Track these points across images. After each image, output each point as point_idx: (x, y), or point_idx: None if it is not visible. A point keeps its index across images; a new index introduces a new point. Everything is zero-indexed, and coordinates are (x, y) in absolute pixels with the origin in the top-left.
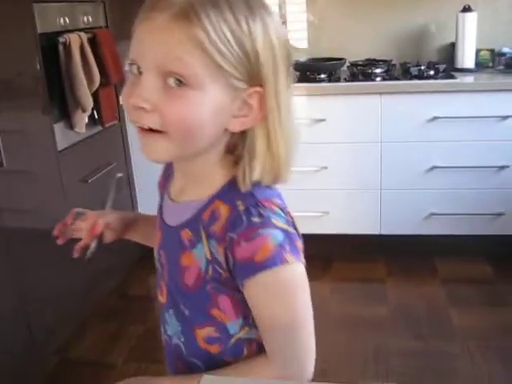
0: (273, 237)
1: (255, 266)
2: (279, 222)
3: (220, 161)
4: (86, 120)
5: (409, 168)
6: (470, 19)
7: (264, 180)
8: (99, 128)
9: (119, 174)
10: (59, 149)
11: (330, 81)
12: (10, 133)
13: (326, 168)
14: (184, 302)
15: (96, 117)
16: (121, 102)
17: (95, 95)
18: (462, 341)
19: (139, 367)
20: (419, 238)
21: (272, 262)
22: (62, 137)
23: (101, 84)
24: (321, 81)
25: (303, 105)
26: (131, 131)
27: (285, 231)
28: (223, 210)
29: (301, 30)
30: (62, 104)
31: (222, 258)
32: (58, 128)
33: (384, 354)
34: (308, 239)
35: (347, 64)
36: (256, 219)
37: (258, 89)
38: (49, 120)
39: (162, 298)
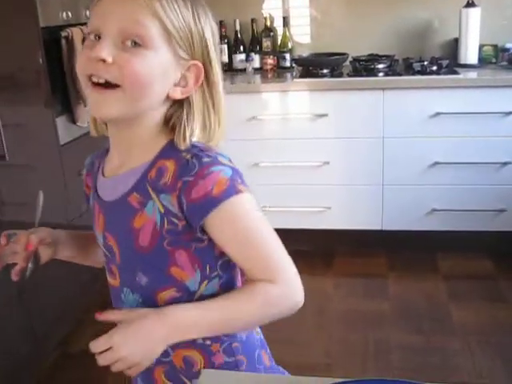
0: (224, 172)
1: (215, 200)
2: (225, 160)
3: (158, 128)
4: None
5: (411, 164)
6: (474, 14)
7: (200, 142)
8: None
9: (41, 192)
10: (61, 143)
11: (332, 76)
12: (13, 126)
13: (327, 163)
14: (143, 268)
15: None
16: (78, 62)
17: None
18: (463, 336)
19: None
20: (421, 234)
21: (229, 193)
22: (65, 131)
23: None
24: (323, 76)
25: (306, 100)
26: None
27: (232, 167)
28: (169, 164)
29: (303, 25)
30: (64, 98)
31: (176, 208)
32: (61, 122)
33: (385, 349)
34: (310, 234)
35: (350, 59)
36: (206, 159)
37: (197, 63)
38: (51, 114)
39: (115, 282)
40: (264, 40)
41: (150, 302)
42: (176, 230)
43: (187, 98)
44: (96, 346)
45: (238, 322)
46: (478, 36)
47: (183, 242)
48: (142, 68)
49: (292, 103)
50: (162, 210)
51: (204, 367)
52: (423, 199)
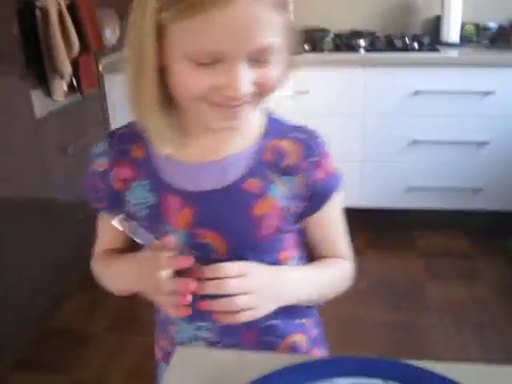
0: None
1: (336, 178)
2: None
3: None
4: (65, 88)
5: (390, 141)
6: None
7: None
8: (78, 96)
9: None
10: (37, 116)
11: (313, 52)
12: None
13: None
14: (255, 258)
15: (75, 85)
16: (190, 89)
17: (74, 63)
18: (438, 313)
19: (120, 336)
20: (399, 212)
21: (340, 174)
22: (40, 104)
23: (80, 52)
24: (304, 51)
25: None
26: (111, 100)
27: None
28: (286, 145)
29: None
30: (39, 71)
31: (301, 189)
32: (36, 95)
33: (362, 326)
34: None
35: (331, 35)
36: (319, 139)
37: None
38: (26, 86)
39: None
40: None
41: None
42: (297, 213)
43: None
44: (231, 286)
45: (327, 290)
46: (460, 14)
47: (294, 225)
48: (276, 76)
49: None
50: (287, 193)
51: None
52: (402, 177)
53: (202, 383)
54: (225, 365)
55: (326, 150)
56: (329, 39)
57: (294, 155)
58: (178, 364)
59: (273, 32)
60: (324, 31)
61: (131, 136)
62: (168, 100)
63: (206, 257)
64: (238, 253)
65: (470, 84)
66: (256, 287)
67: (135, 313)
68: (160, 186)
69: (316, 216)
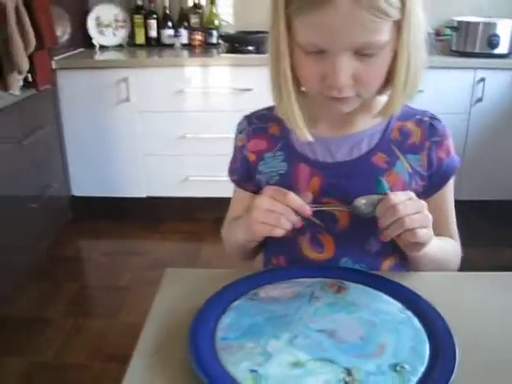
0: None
1: (455, 161)
2: None
3: None
4: (21, 82)
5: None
6: None
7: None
8: (33, 91)
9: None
10: None
11: (257, 53)
12: None
13: None
14: (377, 233)
15: (30, 80)
16: (304, 75)
17: (29, 58)
18: None
19: (76, 322)
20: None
21: (458, 158)
22: None
23: (35, 47)
24: (248, 52)
25: (231, 74)
26: (63, 96)
27: None
28: (411, 126)
29: (230, 3)
30: None
31: (423, 168)
32: None
33: None
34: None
35: None
36: (443, 123)
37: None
38: None
39: (323, 254)
40: (192, 17)
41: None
42: (417, 191)
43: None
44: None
45: (447, 257)
46: None
47: None
48: (381, 71)
49: (218, 78)
50: (410, 170)
51: None
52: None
53: (188, 298)
54: (206, 281)
55: (448, 133)
56: None
57: (418, 135)
58: (166, 283)
59: (377, 33)
60: (267, 33)
61: (269, 117)
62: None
63: (329, 227)
64: (359, 225)
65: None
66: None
67: (90, 300)
68: (293, 157)
69: (435, 197)
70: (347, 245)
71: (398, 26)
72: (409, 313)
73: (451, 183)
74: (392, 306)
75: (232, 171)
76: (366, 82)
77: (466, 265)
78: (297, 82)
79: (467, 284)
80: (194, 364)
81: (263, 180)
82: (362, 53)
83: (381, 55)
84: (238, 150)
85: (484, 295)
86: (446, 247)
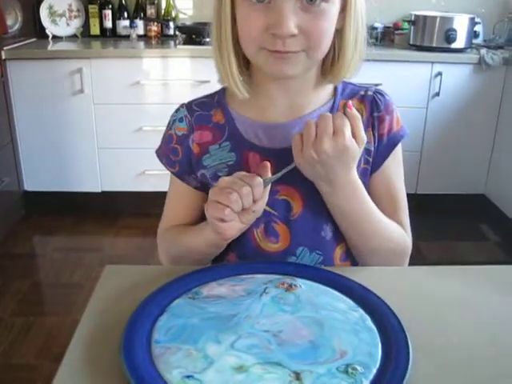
0: (398, 111)
1: (397, 136)
2: None
3: (319, 68)
4: None
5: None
6: None
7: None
8: None
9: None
10: None
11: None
12: None
13: None
14: (331, 219)
15: None
16: (249, 30)
17: None
18: None
19: (26, 320)
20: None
21: (403, 132)
22: None
23: None
24: (205, 44)
25: (188, 66)
26: (13, 87)
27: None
28: (355, 104)
29: None
30: None
31: (369, 143)
32: None
33: None
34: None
35: None
36: (387, 97)
37: None
38: None
39: (279, 245)
40: (148, 7)
41: (329, 261)
42: (366, 169)
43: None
44: None
45: (383, 233)
46: None
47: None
48: (329, 25)
49: (175, 69)
50: None
51: None
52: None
53: (126, 297)
54: (147, 278)
55: (391, 107)
56: None
57: (362, 111)
58: (105, 281)
59: None
60: None
61: (211, 104)
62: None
63: (283, 215)
64: (313, 211)
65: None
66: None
67: (41, 297)
68: (241, 146)
69: (380, 176)
70: (302, 233)
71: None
72: (361, 311)
73: (398, 160)
74: (344, 303)
75: (171, 162)
76: (312, 35)
77: (421, 259)
78: (237, 50)
79: (421, 278)
80: (127, 370)
81: (209, 174)
82: (306, 1)
83: (325, 10)
84: (179, 140)
85: (439, 290)
86: (391, 224)
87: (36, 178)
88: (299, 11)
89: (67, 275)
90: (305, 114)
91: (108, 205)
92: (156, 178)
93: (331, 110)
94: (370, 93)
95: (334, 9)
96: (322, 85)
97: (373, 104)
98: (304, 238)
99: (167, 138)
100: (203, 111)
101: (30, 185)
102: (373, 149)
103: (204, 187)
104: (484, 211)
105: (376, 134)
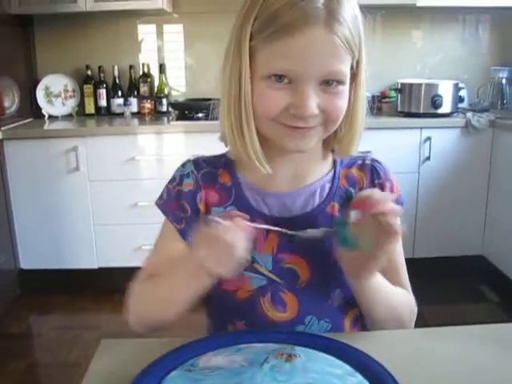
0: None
1: (399, 200)
2: None
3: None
4: None
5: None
6: None
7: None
8: None
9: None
10: None
11: (206, 119)
12: None
13: None
14: (341, 284)
15: None
16: (267, 107)
17: None
18: None
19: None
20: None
21: (402, 200)
22: None
23: None
24: (198, 119)
25: (182, 141)
26: (11, 166)
27: None
28: (355, 172)
29: (179, 72)
30: None
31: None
32: None
33: None
34: None
35: None
36: (384, 165)
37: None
38: None
39: (285, 315)
40: (141, 85)
41: (338, 328)
42: None
43: None
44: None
45: (395, 303)
46: None
47: None
48: (344, 105)
49: (169, 145)
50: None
51: None
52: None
53: (123, 370)
54: (142, 352)
55: (390, 174)
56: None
57: (363, 180)
58: (101, 355)
59: (342, 63)
60: (216, 100)
61: (218, 163)
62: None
63: (290, 283)
64: (321, 279)
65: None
66: None
67: (37, 378)
68: (247, 212)
69: None
70: (310, 301)
71: (353, 70)
72: (360, 376)
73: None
74: (341, 369)
75: (178, 219)
76: (332, 113)
77: (423, 322)
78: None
79: (421, 340)
80: None
81: None
82: (326, 83)
83: (342, 90)
84: (186, 196)
85: (440, 352)
86: (396, 290)
87: (32, 256)
88: (319, 92)
89: (64, 354)
90: (309, 183)
91: (104, 281)
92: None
93: (332, 180)
94: (367, 161)
95: (347, 88)
96: (326, 157)
97: (373, 172)
98: (312, 306)
99: (175, 194)
100: (211, 168)
101: (25, 263)
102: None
103: None
104: (483, 272)
105: None
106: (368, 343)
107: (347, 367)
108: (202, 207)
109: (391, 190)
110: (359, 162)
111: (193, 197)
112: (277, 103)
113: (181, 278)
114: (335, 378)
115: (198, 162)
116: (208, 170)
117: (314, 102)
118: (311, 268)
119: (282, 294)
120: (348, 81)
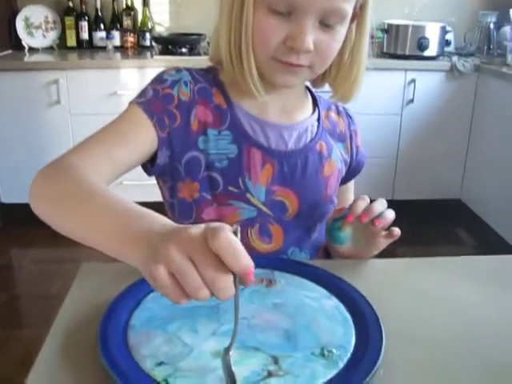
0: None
1: (361, 162)
2: None
3: None
4: None
5: None
6: None
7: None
8: None
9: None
10: None
11: (190, 54)
12: None
13: None
14: (321, 220)
15: None
16: (267, 37)
17: None
18: None
19: (3, 333)
20: None
21: (365, 157)
22: None
23: None
24: (182, 54)
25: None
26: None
27: None
28: (333, 115)
29: (163, 6)
30: None
31: (347, 155)
32: None
33: None
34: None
35: (207, 39)
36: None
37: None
38: None
39: (271, 245)
40: (124, 18)
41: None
42: (343, 178)
43: None
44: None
45: None
46: None
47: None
48: (337, 48)
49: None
50: (341, 158)
51: None
52: None
53: (102, 293)
54: (124, 275)
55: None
56: (204, 43)
57: (341, 124)
58: (81, 278)
59: (347, 1)
60: (200, 35)
61: (211, 80)
62: None
63: (279, 216)
64: (307, 212)
65: None
66: None
67: (18, 309)
68: (243, 139)
69: (344, 187)
70: (294, 233)
71: (355, 10)
72: (336, 300)
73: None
74: (319, 293)
75: (162, 125)
76: (324, 54)
77: None
78: None
79: (396, 270)
80: (105, 361)
81: (205, 161)
82: (325, 22)
83: (340, 33)
84: (180, 105)
85: (412, 281)
86: None
87: (12, 190)
88: (317, 29)
89: (45, 286)
90: (302, 119)
91: None
92: (133, 188)
93: (318, 120)
94: (341, 108)
95: (344, 30)
96: (308, 96)
97: (348, 118)
98: (295, 238)
99: (164, 96)
100: (206, 85)
101: (6, 197)
102: (349, 161)
103: (164, 175)
104: (460, 216)
105: (354, 146)
106: (347, 271)
107: (323, 291)
108: (194, 125)
109: (360, 139)
110: (333, 106)
111: (188, 109)
112: (275, 34)
113: (105, 234)
114: (310, 300)
115: (193, 74)
116: (204, 85)
117: (311, 37)
118: (300, 202)
119: (269, 226)
120: (347, 23)
